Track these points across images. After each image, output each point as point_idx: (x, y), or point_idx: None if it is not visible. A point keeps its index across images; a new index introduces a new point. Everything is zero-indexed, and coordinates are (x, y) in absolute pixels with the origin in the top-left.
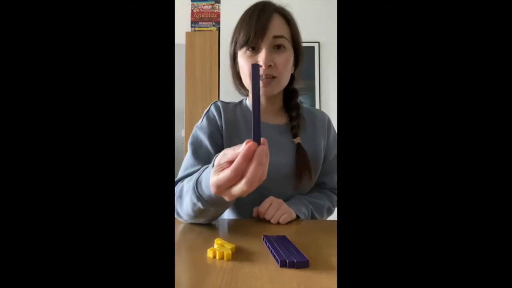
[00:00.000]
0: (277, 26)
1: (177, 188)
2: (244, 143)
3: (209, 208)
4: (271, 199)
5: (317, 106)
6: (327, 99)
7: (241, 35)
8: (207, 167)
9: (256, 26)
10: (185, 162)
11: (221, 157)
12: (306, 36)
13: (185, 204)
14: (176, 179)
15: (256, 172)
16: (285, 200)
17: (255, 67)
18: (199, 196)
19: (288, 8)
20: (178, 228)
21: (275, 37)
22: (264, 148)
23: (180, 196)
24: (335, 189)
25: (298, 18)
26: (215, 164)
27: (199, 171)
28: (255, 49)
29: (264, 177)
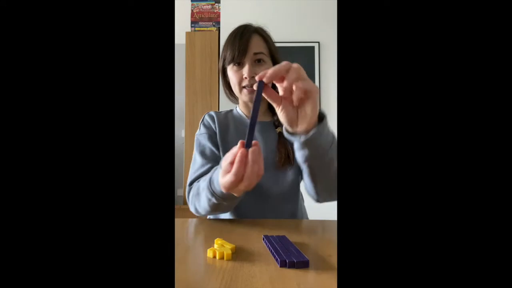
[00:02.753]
0: (256, 45)
1: (194, 187)
2: (239, 145)
3: (222, 202)
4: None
5: None
6: (327, 99)
7: (228, 53)
8: (218, 167)
9: (239, 45)
10: (195, 165)
11: (223, 162)
12: (306, 36)
13: (202, 200)
14: (190, 180)
15: (252, 170)
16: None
17: (260, 84)
18: (213, 193)
19: (265, 28)
20: (179, 228)
21: (255, 53)
22: (255, 148)
23: (198, 193)
24: None
25: (298, 18)
26: (221, 168)
27: (211, 171)
28: (240, 64)
29: (262, 172)
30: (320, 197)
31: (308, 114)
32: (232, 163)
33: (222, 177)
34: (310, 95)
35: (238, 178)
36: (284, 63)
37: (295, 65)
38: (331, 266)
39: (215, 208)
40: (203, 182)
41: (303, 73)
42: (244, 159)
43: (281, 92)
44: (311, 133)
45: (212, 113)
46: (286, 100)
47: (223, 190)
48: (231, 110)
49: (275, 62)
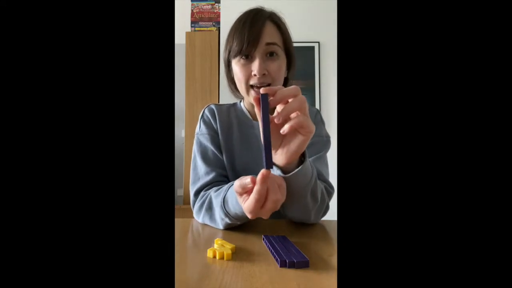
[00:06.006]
0: (269, 34)
1: (203, 198)
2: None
3: (236, 223)
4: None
5: (317, 106)
6: (327, 99)
7: (235, 44)
8: (232, 184)
9: (249, 35)
10: (198, 171)
11: (238, 187)
12: (306, 36)
13: (215, 218)
14: (196, 190)
15: (274, 191)
16: None
17: (264, 97)
18: (227, 213)
19: (280, 14)
20: (179, 228)
21: (268, 44)
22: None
23: (210, 208)
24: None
25: (298, 18)
26: (238, 193)
27: (225, 189)
28: (248, 58)
29: (284, 187)
30: (285, 215)
31: (291, 149)
32: (248, 190)
33: (243, 201)
34: (304, 132)
35: (261, 199)
36: (293, 87)
37: (302, 96)
38: (331, 266)
39: (228, 227)
40: (215, 199)
41: (307, 108)
42: (265, 180)
43: (275, 114)
44: (286, 175)
45: (213, 107)
46: (275, 124)
47: (249, 216)
48: (235, 104)
49: (289, 56)
